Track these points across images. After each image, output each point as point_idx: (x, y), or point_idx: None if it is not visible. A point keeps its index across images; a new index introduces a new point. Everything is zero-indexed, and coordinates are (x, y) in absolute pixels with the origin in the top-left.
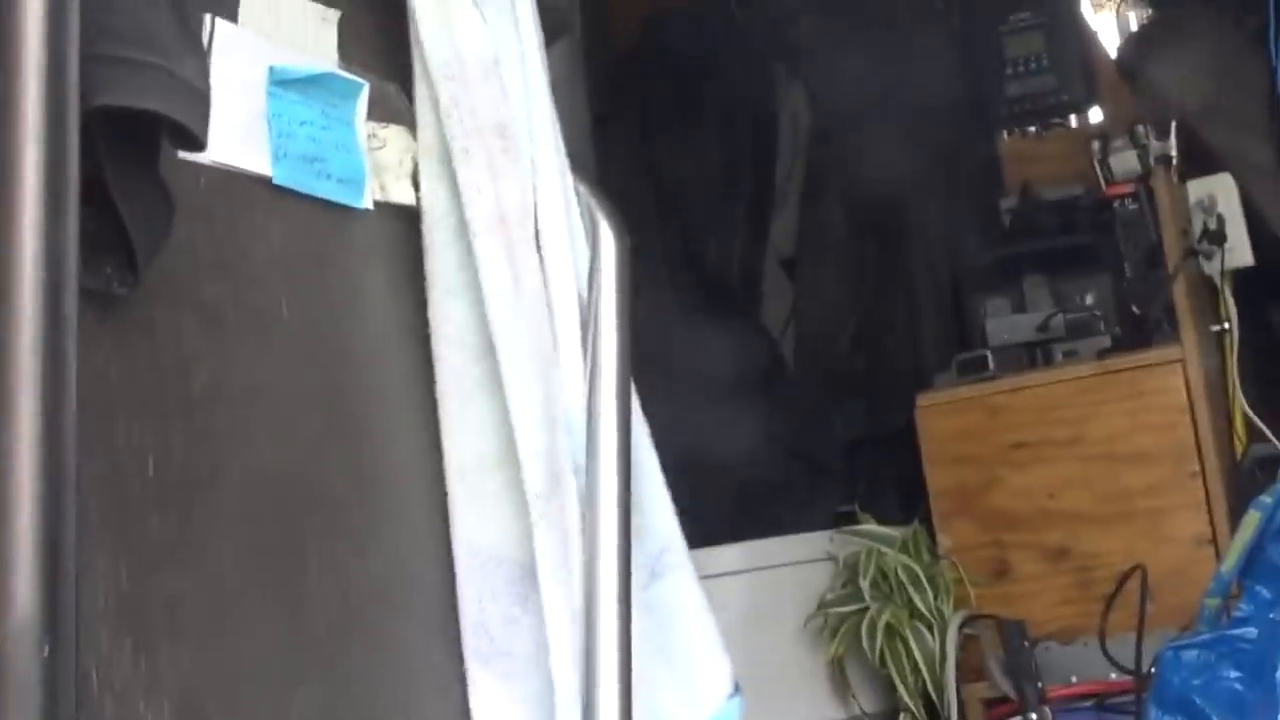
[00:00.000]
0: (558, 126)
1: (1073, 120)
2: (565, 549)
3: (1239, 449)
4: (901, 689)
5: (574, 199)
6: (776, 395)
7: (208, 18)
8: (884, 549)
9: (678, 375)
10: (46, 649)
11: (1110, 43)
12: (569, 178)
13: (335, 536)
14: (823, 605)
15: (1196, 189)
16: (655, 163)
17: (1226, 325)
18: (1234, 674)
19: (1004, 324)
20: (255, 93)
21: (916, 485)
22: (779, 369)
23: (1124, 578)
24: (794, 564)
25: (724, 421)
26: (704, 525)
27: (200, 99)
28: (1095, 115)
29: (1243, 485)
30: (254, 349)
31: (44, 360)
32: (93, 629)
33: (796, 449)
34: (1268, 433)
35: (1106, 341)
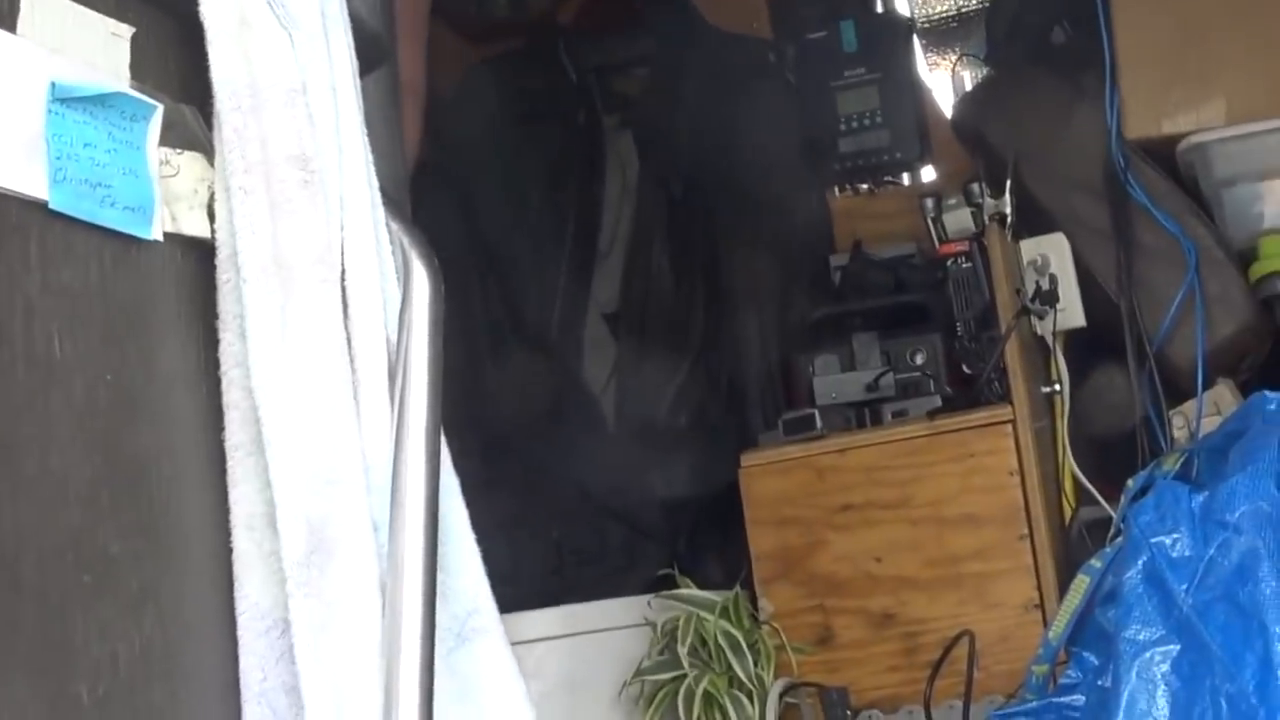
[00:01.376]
0: (371, 160)
1: (905, 178)
2: (327, 620)
3: (1068, 512)
4: None
5: (385, 236)
6: (595, 454)
7: None
8: (704, 614)
9: (492, 432)
10: None
11: (945, 102)
12: (380, 212)
13: (105, 597)
14: (640, 672)
15: (1030, 248)
16: (475, 212)
17: (1058, 386)
18: None
19: (832, 382)
20: (34, 109)
21: (739, 548)
22: (598, 427)
23: (951, 644)
24: (611, 629)
25: (540, 482)
26: (519, 589)
27: None
28: (929, 174)
29: (1071, 549)
30: (20, 390)
31: None
32: None
33: (615, 510)
34: (1097, 496)
35: (937, 401)
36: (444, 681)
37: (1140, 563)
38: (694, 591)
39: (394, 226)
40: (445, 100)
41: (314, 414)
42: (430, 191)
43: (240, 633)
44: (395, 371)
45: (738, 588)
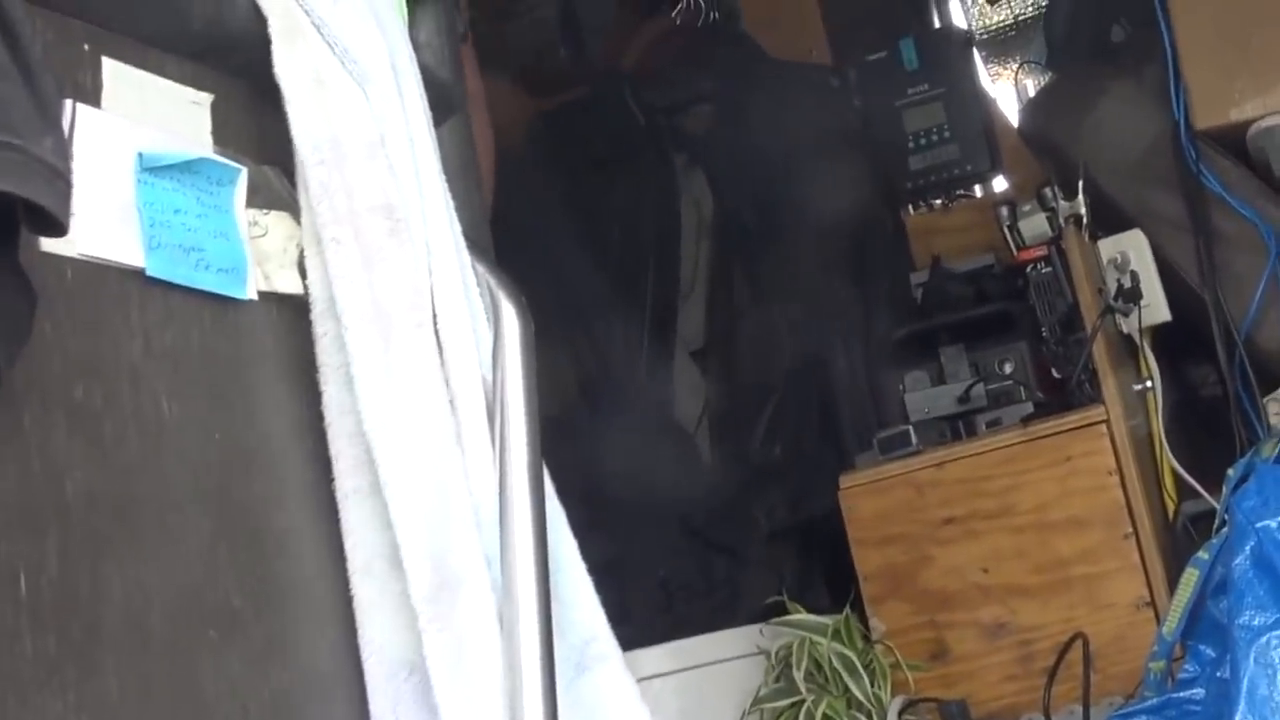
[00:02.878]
0: (452, 206)
1: (978, 190)
2: (460, 653)
3: (1170, 507)
4: None
5: (472, 279)
6: (695, 491)
7: (69, 103)
8: (816, 638)
9: (591, 478)
10: None
11: (1010, 110)
12: (465, 256)
13: (232, 650)
14: (757, 701)
15: (1108, 247)
16: (555, 262)
17: (1149, 383)
18: None
19: (924, 397)
20: (124, 180)
21: (844, 570)
22: (696, 464)
23: (1064, 649)
24: (724, 661)
25: (643, 522)
26: (628, 628)
27: (59, 178)
28: (1000, 184)
29: (1178, 544)
30: (133, 451)
31: None
32: None
33: (719, 544)
34: (1198, 488)
35: (1029, 408)
36: (569, 712)
37: (1248, 549)
38: (805, 616)
39: (479, 268)
40: (515, 153)
41: (425, 454)
42: (507, 245)
43: (368, 677)
44: (493, 409)
45: (848, 609)
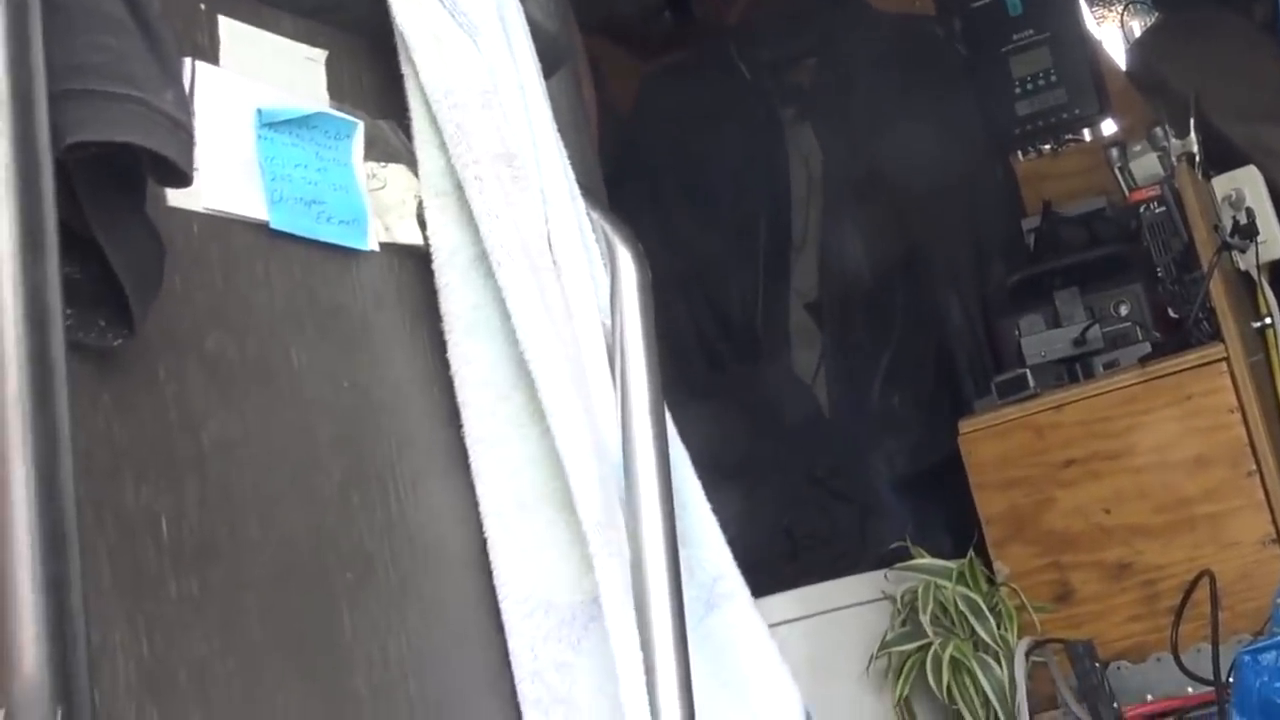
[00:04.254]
0: (565, 154)
1: (1086, 134)
2: (626, 577)
3: None
4: None
5: (588, 226)
6: (815, 440)
7: (188, 61)
8: (941, 582)
9: (715, 432)
10: (59, 715)
11: (1117, 52)
12: (580, 204)
13: (369, 592)
14: (885, 645)
15: (1222, 185)
16: (668, 221)
17: (1269, 320)
18: None
19: (1040, 341)
20: (244, 136)
21: (966, 515)
22: (815, 414)
23: (1191, 587)
24: (851, 606)
25: (766, 472)
26: (755, 576)
27: (182, 129)
28: (1109, 127)
29: None
30: (265, 401)
31: (34, 419)
32: (118, 700)
33: (841, 491)
34: None
35: (1147, 348)
36: (699, 648)
37: None
38: (930, 560)
39: (594, 216)
40: (626, 115)
41: (578, 388)
42: (620, 205)
43: (505, 617)
44: (613, 353)
45: (971, 553)
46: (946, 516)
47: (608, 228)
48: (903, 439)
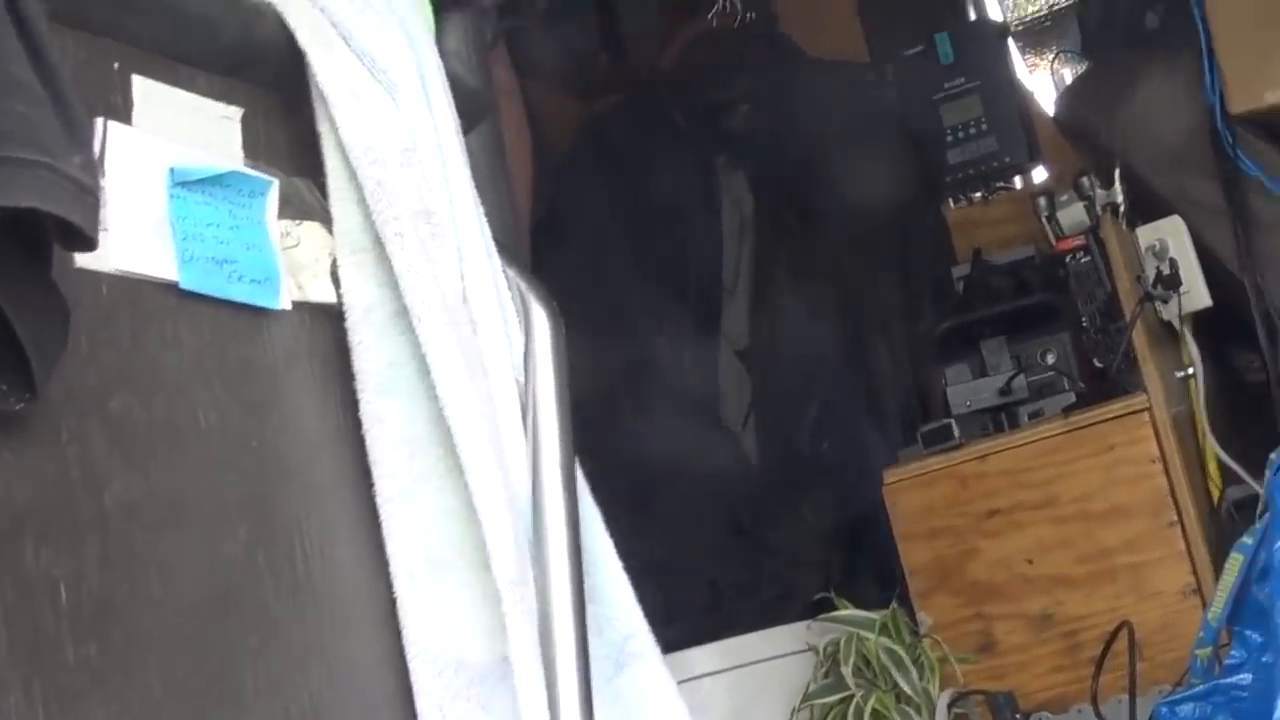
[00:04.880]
0: (481, 211)
1: (1017, 182)
2: (534, 636)
3: (1215, 494)
4: None
5: (504, 283)
6: (743, 491)
7: (100, 121)
8: (864, 633)
9: (638, 480)
10: None
11: (1048, 101)
12: (497, 261)
13: (273, 654)
14: (807, 698)
15: (1146, 235)
16: (600, 264)
17: (1190, 370)
18: None
19: (966, 390)
20: (157, 196)
21: (891, 565)
22: (743, 464)
23: (1111, 638)
24: (774, 658)
25: (691, 522)
26: (678, 627)
27: (89, 194)
28: (1040, 174)
29: (1223, 531)
30: (170, 461)
31: None
32: None
33: (767, 542)
34: (1242, 474)
35: (1072, 398)
36: (609, 708)
37: None
38: (853, 612)
39: (510, 274)
40: (561, 155)
41: (495, 446)
42: (552, 249)
43: (414, 676)
44: (526, 410)
45: (894, 604)
46: (873, 566)
47: (523, 285)
48: (831, 488)
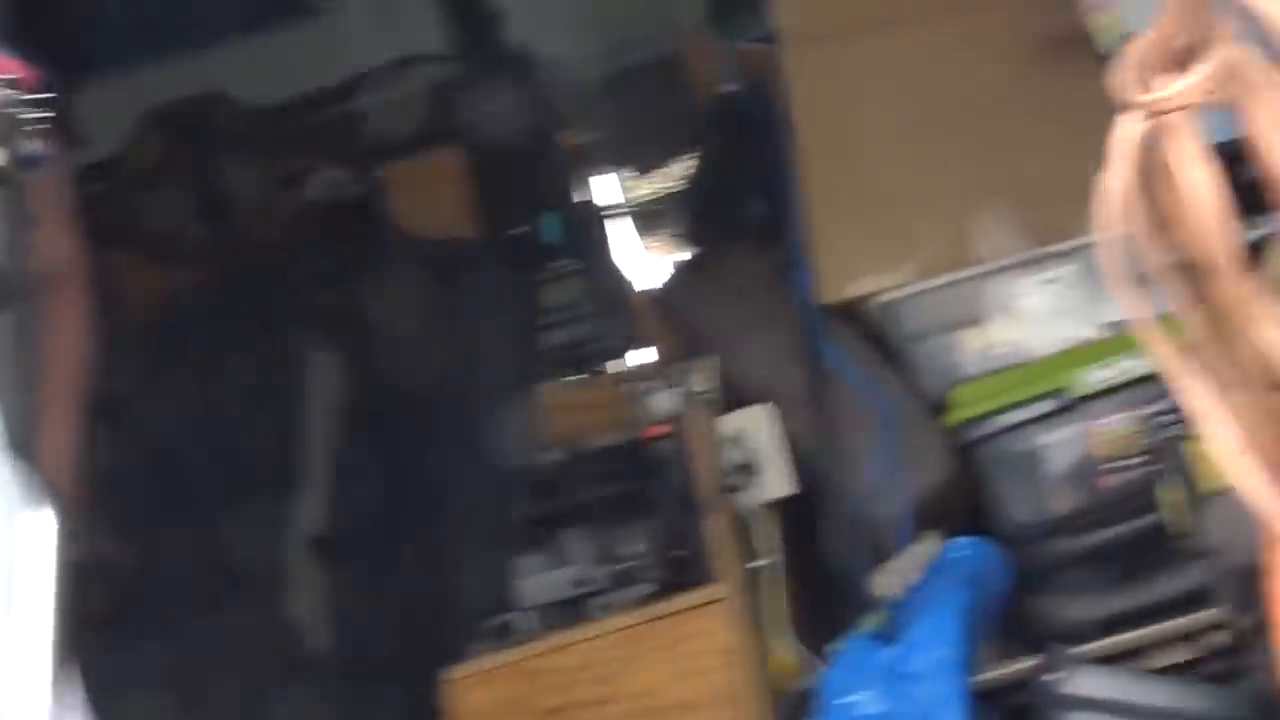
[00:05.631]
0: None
1: (613, 366)
2: None
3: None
4: None
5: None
6: (304, 691)
7: None
8: None
9: (195, 676)
10: None
11: (650, 287)
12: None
13: None
14: None
15: (728, 423)
16: (172, 447)
17: (763, 561)
18: None
19: (539, 583)
20: None
21: None
22: (309, 659)
23: None
24: None
25: None
26: None
27: None
28: (641, 358)
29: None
30: None
31: None
32: None
33: None
34: (815, 664)
35: (651, 588)
36: None
37: None
38: None
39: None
40: (143, 329)
41: None
42: (125, 428)
43: None
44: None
45: None
46: None
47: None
48: (407, 686)
